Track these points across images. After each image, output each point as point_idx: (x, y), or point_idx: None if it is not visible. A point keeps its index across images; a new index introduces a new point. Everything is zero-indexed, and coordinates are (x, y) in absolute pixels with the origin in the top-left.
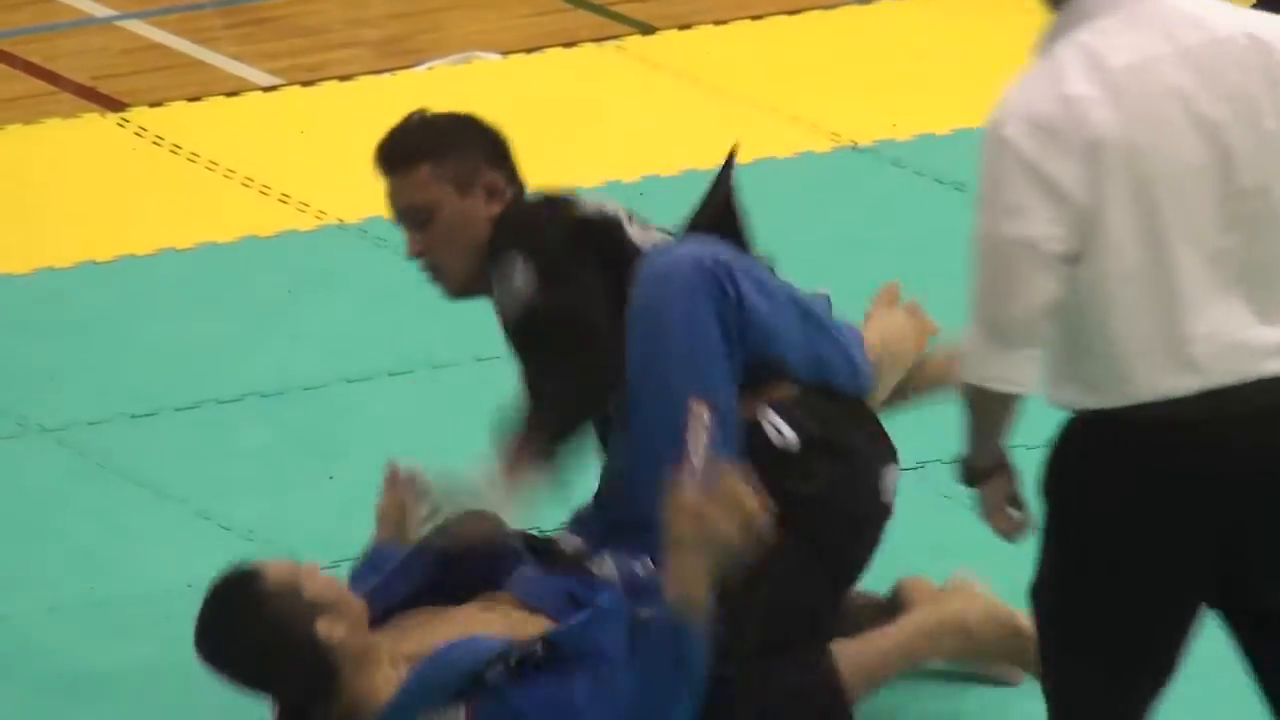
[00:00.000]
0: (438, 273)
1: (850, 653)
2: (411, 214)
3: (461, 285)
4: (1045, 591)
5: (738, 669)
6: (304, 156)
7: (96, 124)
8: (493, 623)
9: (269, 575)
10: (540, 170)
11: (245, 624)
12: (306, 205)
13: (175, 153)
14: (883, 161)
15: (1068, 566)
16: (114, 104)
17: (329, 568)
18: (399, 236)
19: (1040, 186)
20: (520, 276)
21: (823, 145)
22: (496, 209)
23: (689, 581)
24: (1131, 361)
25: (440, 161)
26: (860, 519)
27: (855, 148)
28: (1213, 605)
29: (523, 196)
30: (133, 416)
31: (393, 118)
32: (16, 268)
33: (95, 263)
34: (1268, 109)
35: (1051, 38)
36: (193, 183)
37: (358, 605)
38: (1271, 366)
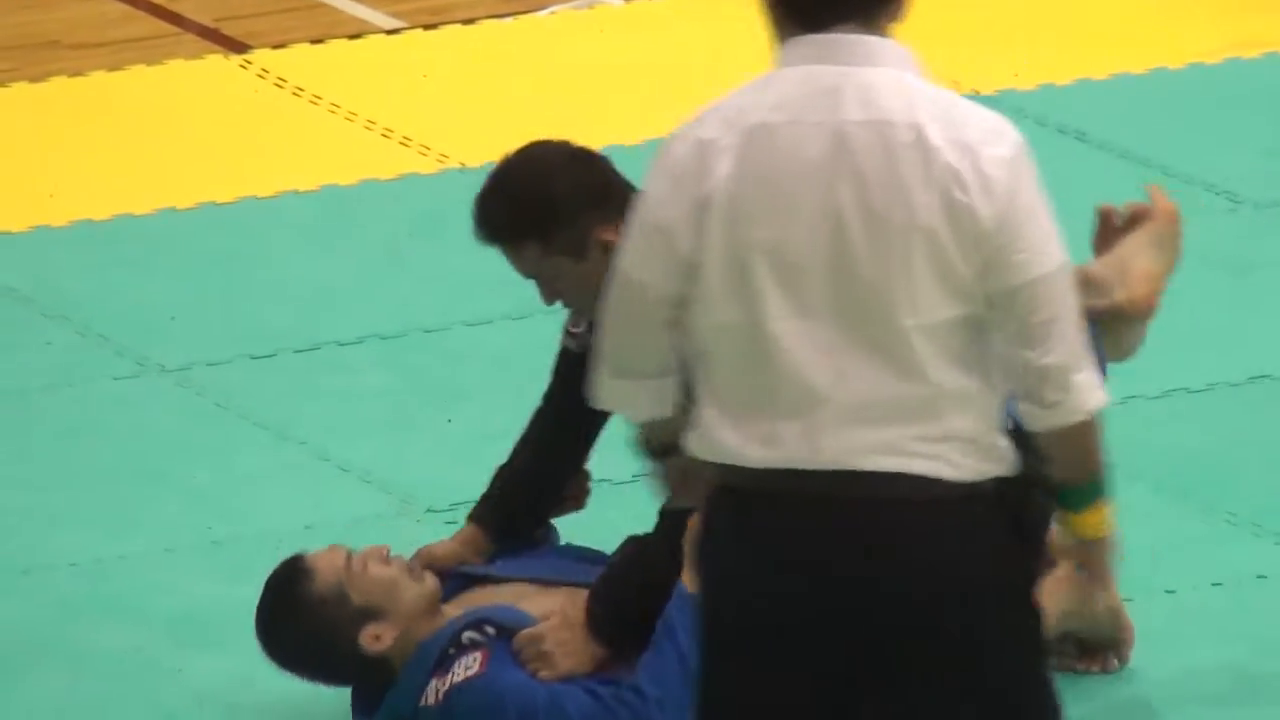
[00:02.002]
0: (579, 313)
1: None
2: (531, 278)
3: None
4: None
5: None
6: (426, 100)
7: (219, 66)
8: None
9: (318, 578)
10: (666, 121)
11: (290, 630)
12: (428, 148)
13: (297, 95)
14: (1006, 109)
15: (700, 624)
16: (237, 46)
17: (446, 511)
18: None
19: (653, 229)
20: None
21: None
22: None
23: (1154, 279)
24: (722, 418)
25: (547, 239)
26: None
27: (977, 96)
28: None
29: None
30: (252, 358)
31: (515, 62)
32: (138, 208)
33: (216, 204)
34: (900, 207)
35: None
36: (314, 125)
37: (418, 595)
38: (876, 462)
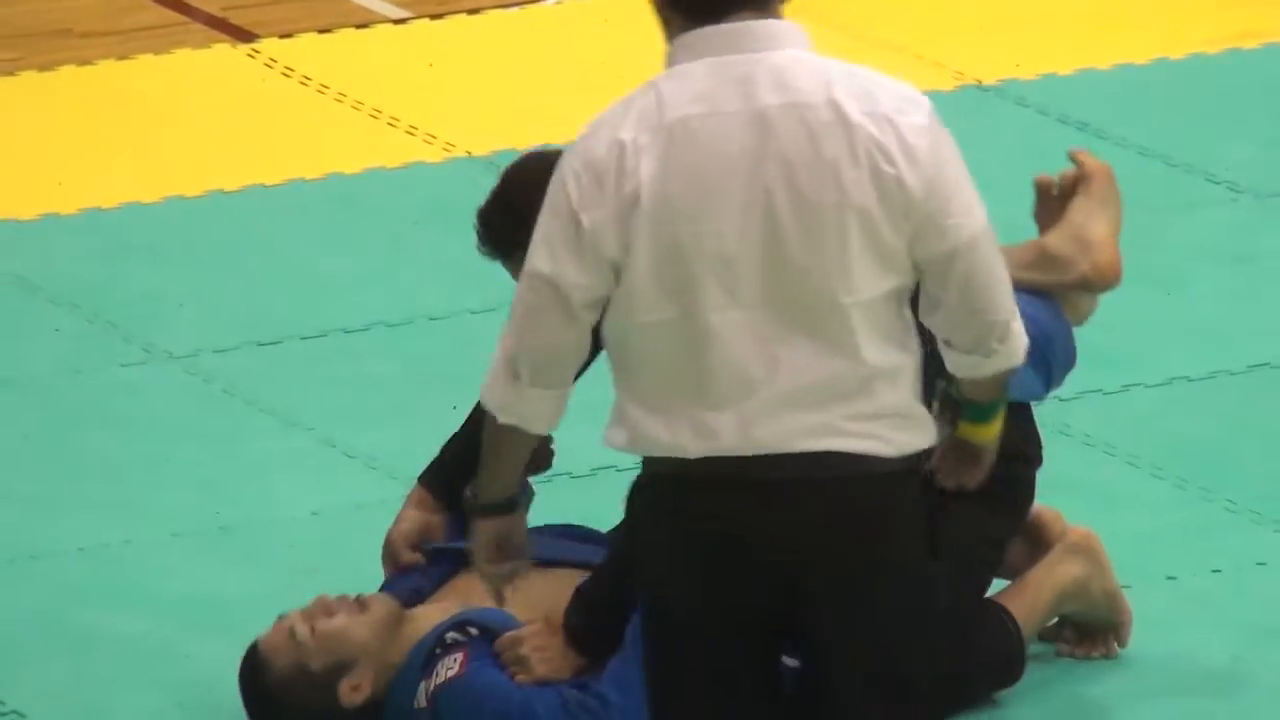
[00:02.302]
0: None
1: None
2: None
3: None
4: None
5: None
6: (432, 89)
7: (227, 55)
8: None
9: (274, 665)
10: None
11: (280, 717)
12: (434, 137)
13: (305, 84)
14: (1007, 99)
15: (643, 599)
16: (244, 35)
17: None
18: None
19: (574, 232)
20: None
21: (947, 83)
22: None
23: (1111, 244)
24: (655, 413)
25: None
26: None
27: (979, 86)
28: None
29: None
30: (259, 345)
31: (520, 52)
32: (146, 196)
33: (224, 192)
34: (830, 187)
35: (666, 64)
36: (321, 114)
37: (369, 629)
38: (808, 444)
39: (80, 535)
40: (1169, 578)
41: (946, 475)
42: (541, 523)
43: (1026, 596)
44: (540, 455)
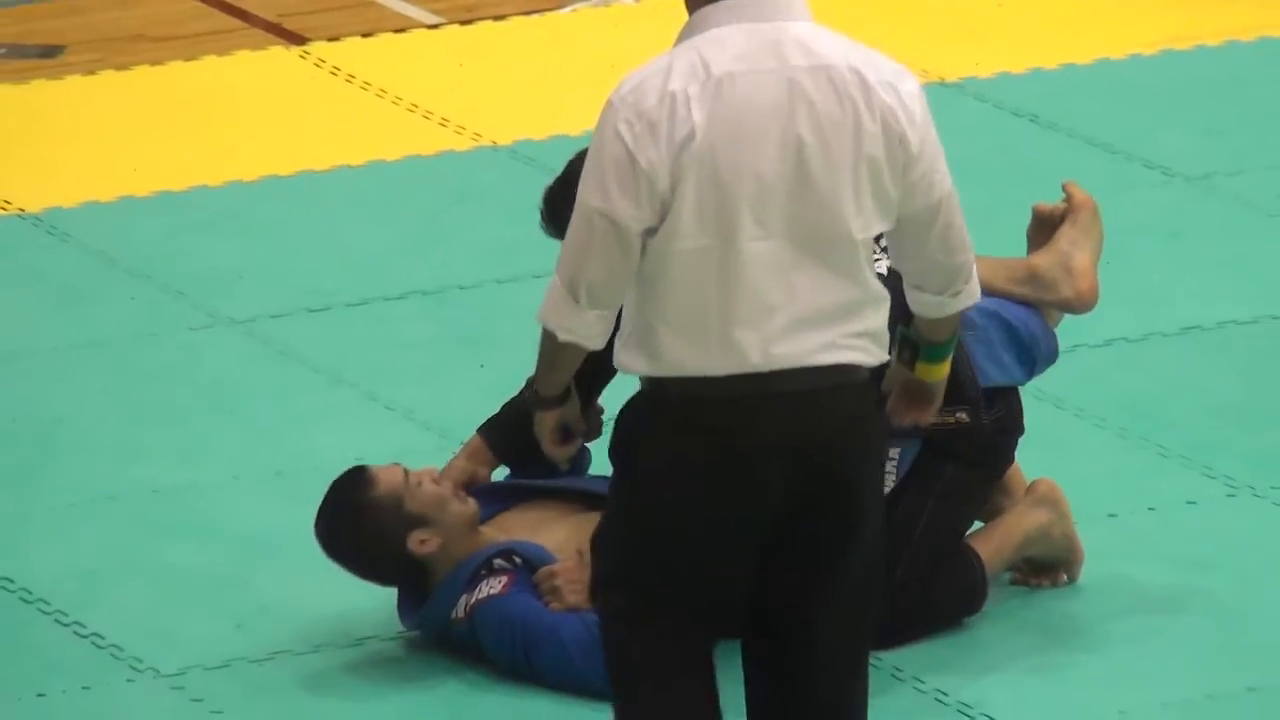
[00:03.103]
0: None
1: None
2: None
3: None
4: (604, 540)
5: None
6: (462, 86)
7: (281, 56)
8: (577, 523)
9: (378, 485)
10: None
11: (348, 528)
12: (463, 128)
13: (349, 82)
14: (967, 95)
15: (628, 523)
16: (297, 39)
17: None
18: (544, 157)
19: (630, 171)
20: None
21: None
22: None
23: (1091, 272)
24: (682, 335)
25: None
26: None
27: (942, 83)
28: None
29: None
30: (310, 311)
31: (540, 54)
32: (210, 180)
33: (278, 176)
34: (850, 138)
35: (683, 36)
36: (364, 108)
37: (460, 512)
38: (817, 359)
39: (153, 478)
40: (1110, 515)
41: (902, 414)
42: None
43: (995, 539)
44: (593, 423)
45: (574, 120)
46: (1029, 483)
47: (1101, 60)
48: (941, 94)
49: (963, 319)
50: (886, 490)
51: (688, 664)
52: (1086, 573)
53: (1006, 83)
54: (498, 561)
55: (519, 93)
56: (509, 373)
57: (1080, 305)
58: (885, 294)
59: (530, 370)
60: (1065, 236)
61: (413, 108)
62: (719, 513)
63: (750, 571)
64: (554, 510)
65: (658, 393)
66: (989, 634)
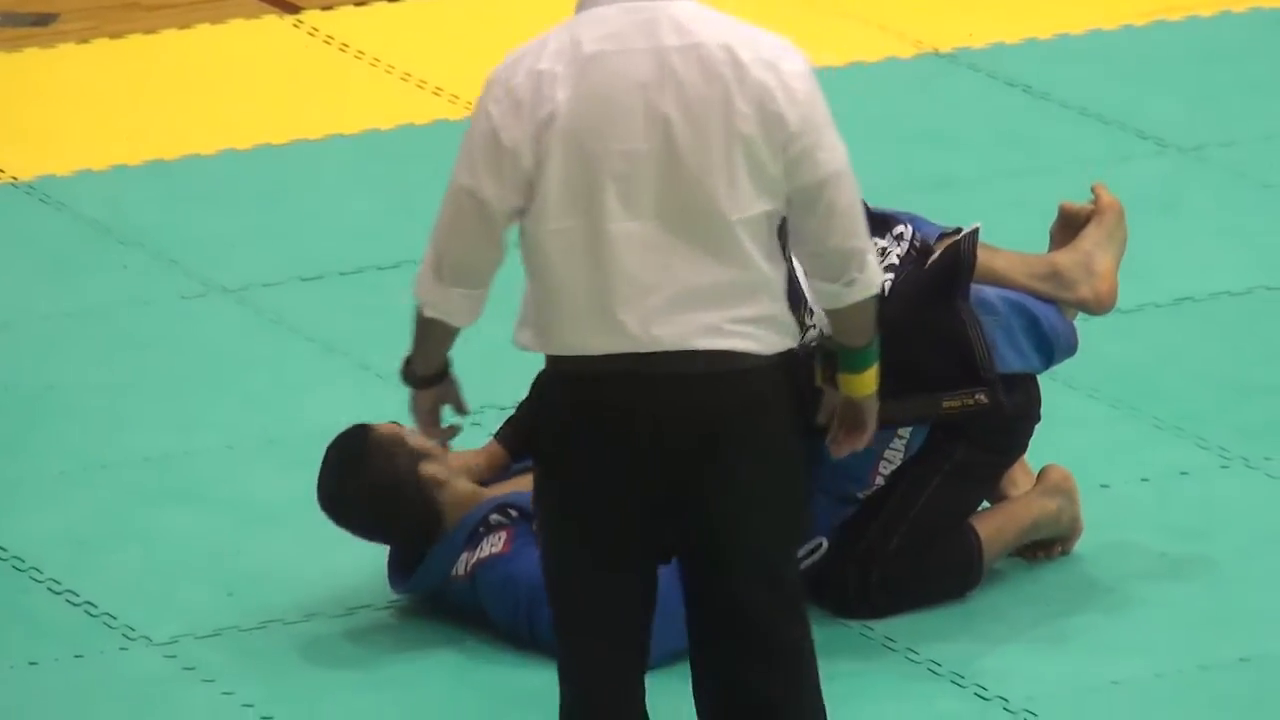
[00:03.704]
0: None
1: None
2: None
3: None
4: (534, 505)
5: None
6: (455, 55)
7: (274, 25)
8: None
9: (377, 429)
10: None
11: (358, 474)
12: (456, 97)
13: (343, 51)
14: (960, 66)
15: (542, 500)
16: (290, 7)
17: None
18: None
19: (496, 149)
20: None
21: (907, 50)
22: None
23: (1112, 275)
24: (563, 314)
25: None
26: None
27: (936, 53)
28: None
29: None
30: (303, 279)
31: (531, 22)
32: (203, 149)
33: (272, 145)
34: (720, 117)
35: (575, 13)
36: (357, 77)
37: (468, 459)
38: (698, 342)
39: (145, 446)
40: (1103, 486)
41: (839, 444)
42: None
43: (998, 522)
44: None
45: None
46: (1040, 469)
47: (1094, 31)
48: (935, 65)
49: (984, 304)
50: (893, 469)
51: (614, 568)
52: (1079, 543)
53: (1000, 53)
54: (494, 517)
55: None
56: (498, 341)
57: (1098, 307)
58: (778, 276)
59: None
60: (1090, 237)
61: (406, 76)
62: (604, 485)
63: (649, 529)
64: None
65: (549, 369)
66: (982, 604)
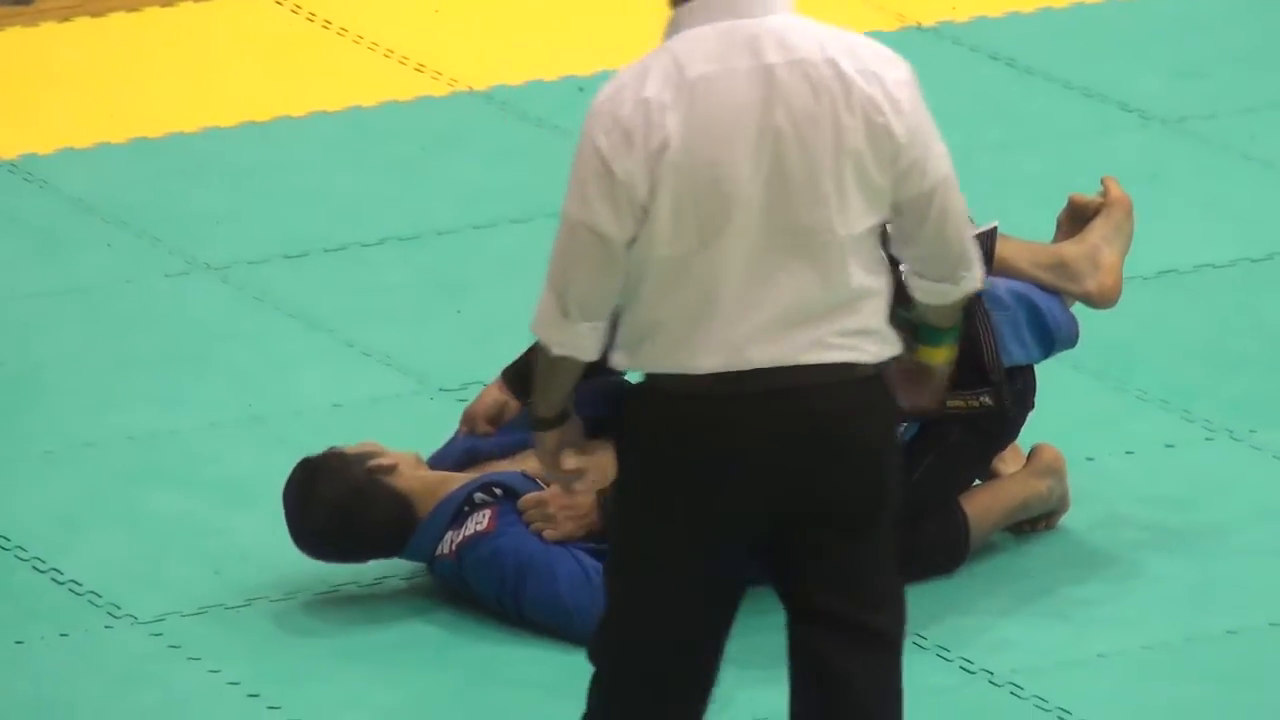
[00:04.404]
0: None
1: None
2: None
3: None
4: (611, 526)
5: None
6: (438, 31)
7: (258, 2)
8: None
9: (318, 457)
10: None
11: (313, 495)
12: (440, 74)
13: (326, 28)
14: (944, 39)
15: (626, 520)
16: None
17: (457, 390)
18: (520, 102)
19: (608, 180)
20: None
21: (890, 24)
22: None
23: (1118, 269)
24: (666, 335)
25: None
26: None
27: (919, 27)
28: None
29: None
30: (287, 257)
31: (511, 3)
32: (187, 127)
33: (255, 123)
34: (829, 133)
35: (665, 35)
36: (341, 54)
37: (407, 454)
38: (803, 358)
39: (130, 425)
40: (1088, 459)
41: (901, 396)
42: None
43: (987, 500)
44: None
45: (550, 65)
46: (1031, 448)
47: (1077, 4)
48: (918, 38)
49: (994, 299)
50: None
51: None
52: (1064, 517)
53: (983, 26)
54: (479, 495)
55: (495, 38)
56: (485, 317)
57: (1101, 300)
58: (881, 289)
59: (503, 310)
60: (1097, 231)
61: (389, 53)
62: (695, 508)
63: (730, 559)
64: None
65: (642, 390)
66: (967, 578)
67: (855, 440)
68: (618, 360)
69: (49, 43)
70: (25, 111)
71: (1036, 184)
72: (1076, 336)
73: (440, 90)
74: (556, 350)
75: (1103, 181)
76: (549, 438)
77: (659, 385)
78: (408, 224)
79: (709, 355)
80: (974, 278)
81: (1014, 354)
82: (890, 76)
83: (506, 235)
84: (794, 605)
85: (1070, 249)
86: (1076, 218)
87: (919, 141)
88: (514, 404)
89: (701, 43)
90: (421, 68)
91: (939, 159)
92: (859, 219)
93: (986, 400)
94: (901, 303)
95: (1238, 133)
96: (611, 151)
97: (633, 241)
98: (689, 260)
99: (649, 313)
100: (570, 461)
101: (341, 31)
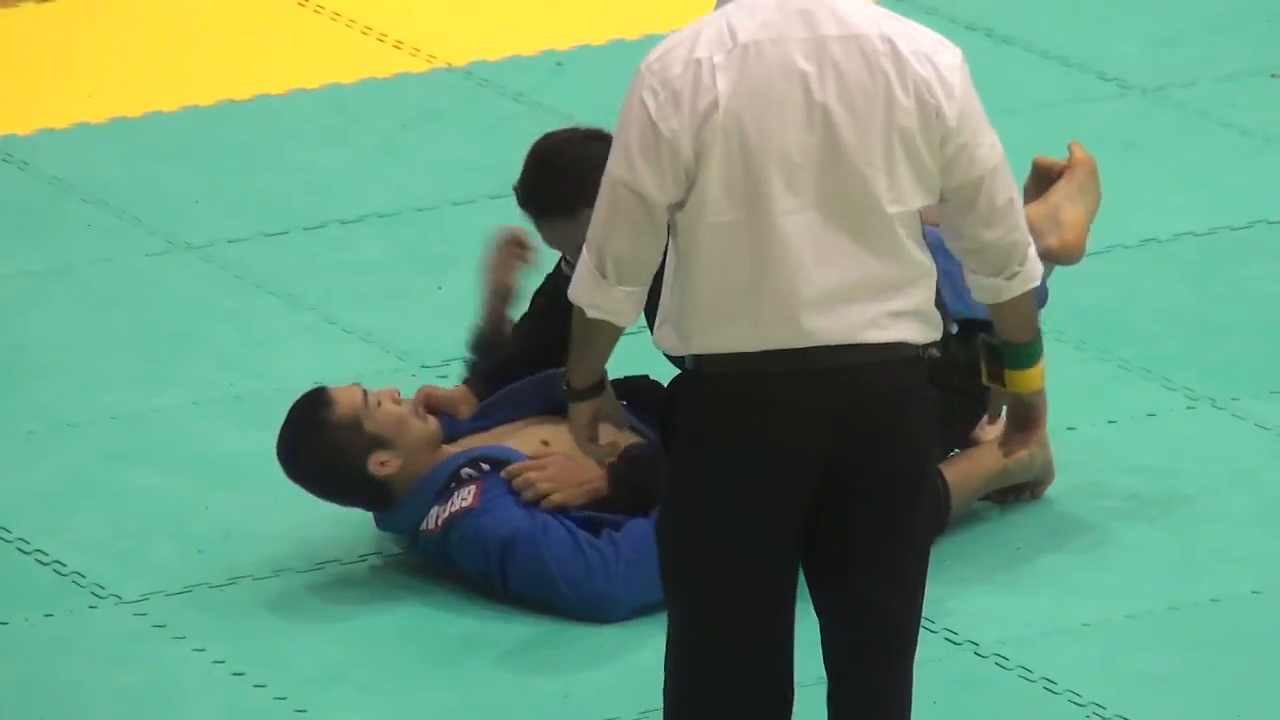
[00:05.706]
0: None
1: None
2: (567, 248)
3: None
4: (663, 523)
5: None
6: (417, 8)
7: None
8: (534, 430)
9: (337, 407)
10: (628, 23)
11: (309, 450)
12: (418, 50)
13: (303, 5)
14: (921, 9)
15: (679, 505)
16: None
17: (438, 366)
18: (500, 78)
19: (653, 139)
20: None
21: None
22: None
23: (1081, 225)
24: (719, 310)
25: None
26: None
27: None
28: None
29: None
30: (267, 235)
31: None
32: (165, 106)
33: (234, 101)
34: (881, 110)
35: (719, 3)
36: (319, 31)
37: (421, 430)
38: (861, 336)
39: (112, 404)
40: (1069, 428)
41: (1010, 444)
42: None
43: (966, 467)
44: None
45: (529, 41)
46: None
47: None
48: (895, 8)
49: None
50: None
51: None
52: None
53: None
54: (465, 471)
55: (474, 14)
56: (467, 294)
57: (1065, 256)
58: (932, 269)
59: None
60: (1060, 190)
61: (367, 30)
62: (757, 491)
63: (791, 540)
64: (518, 424)
65: (695, 370)
66: (950, 548)
67: (909, 420)
68: (665, 338)
69: (27, 22)
70: (4, 92)
71: (1015, 153)
72: (1045, 296)
73: (419, 67)
74: (591, 313)
75: (1069, 146)
76: (583, 409)
77: (711, 371)
78: (388, 201)
79: (766, 328)
80: (1027, 274)
81: (955, 306)
82: (943, 60)
83: (486, 211)
84: (822, 592)
85: (1032, 209)
86: (1041, 180)
87: (968, 127)
88: (464, 409)
89: (756, 11)
90: (400, 44)
91: (989, 149)
92: (909, 196)
93: (934, 353)
94: (984, 328)
95: (1217, 101)
96: (659, 111)
97: (679, 206)
98: (739, 230)
99: (702, 286)
100: (606, 435)
101: (319, 9)
